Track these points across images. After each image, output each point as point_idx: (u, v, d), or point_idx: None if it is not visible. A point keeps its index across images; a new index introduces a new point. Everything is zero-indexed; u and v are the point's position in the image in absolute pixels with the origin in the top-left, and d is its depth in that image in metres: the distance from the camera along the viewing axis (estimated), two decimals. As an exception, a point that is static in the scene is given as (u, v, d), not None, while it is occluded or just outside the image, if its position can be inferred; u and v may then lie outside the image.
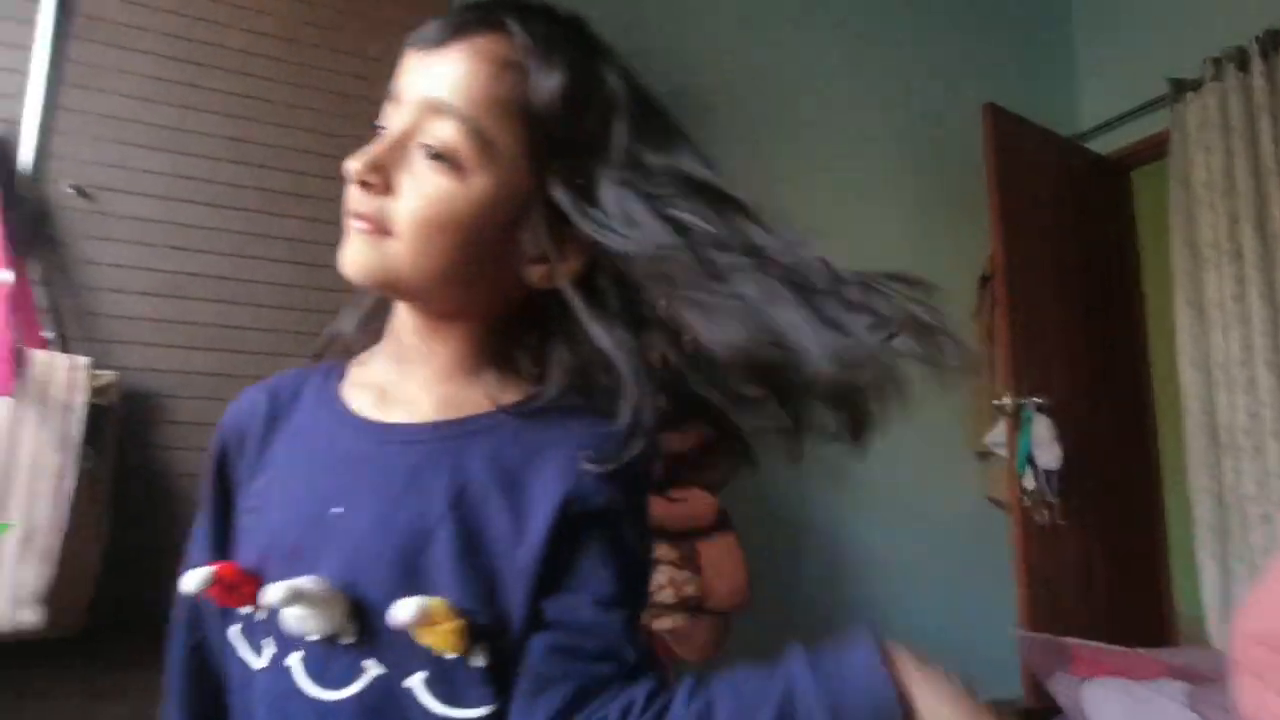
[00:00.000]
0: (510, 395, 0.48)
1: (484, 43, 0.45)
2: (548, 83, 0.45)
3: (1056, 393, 2.06)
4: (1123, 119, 2.40)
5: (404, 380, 0.50)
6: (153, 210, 1.01)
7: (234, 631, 0.45)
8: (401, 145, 0.45)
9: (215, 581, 0.42)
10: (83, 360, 0.91)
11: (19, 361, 0.87)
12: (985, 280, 2.23)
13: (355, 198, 0.46)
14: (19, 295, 0.91)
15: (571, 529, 0.43)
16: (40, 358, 0.89)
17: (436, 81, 0.45)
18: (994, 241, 2.06)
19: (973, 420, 2.21)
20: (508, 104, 0.45)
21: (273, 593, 0.40)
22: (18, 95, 0.94)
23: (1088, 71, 2.64)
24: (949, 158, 2.32)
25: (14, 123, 0.94)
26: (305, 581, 0.40)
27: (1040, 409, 2.00)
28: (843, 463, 1.97)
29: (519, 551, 0.43)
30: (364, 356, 0.53)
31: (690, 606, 1.33)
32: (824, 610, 1.89)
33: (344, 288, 1.07)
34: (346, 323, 0.55)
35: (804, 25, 2.16)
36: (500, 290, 0.49)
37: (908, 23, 2.35)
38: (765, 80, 2.06)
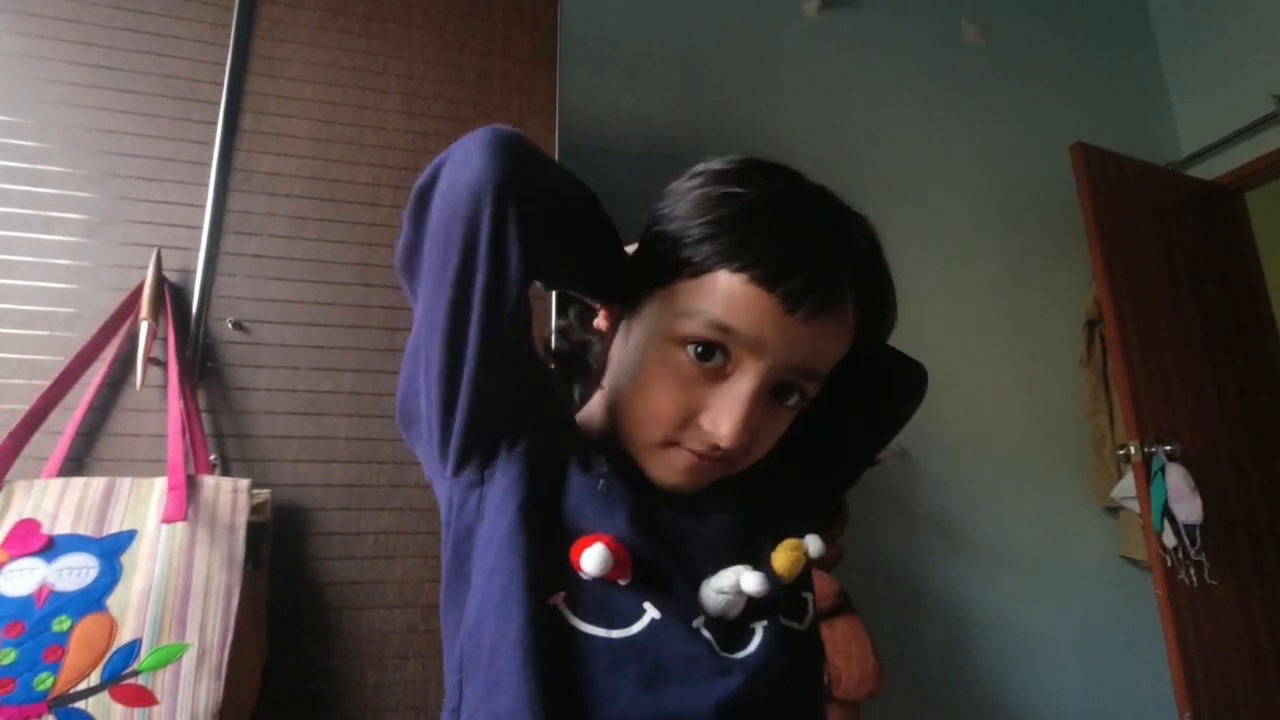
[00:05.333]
0: None
1: (841, 314, 0.49)
2: (878, 340, 0.55)
3: (1189, 438, 1.91)
4: (1226, 142, 2.28)
5: None
6: (297, 336, 1.10)
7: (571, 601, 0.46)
8: (765, 398, 0.49)
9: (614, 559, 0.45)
10: (244, 482, 0.98)
11: (191, 488, 0.96)
12: (1091, 325, 2.13)
13: (729, 450, 0.48)
14: (190, 425, 1.01)
15: None
16: (209, 482, 0.97)
17: (813, 353, 0.49)
18: (1098, 282, 1.96)
19: (1097, 474, 2.07)
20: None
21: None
22: (194, 247, 1.06)
23: (1180, 98, 2.54)
24: (1043, 203, 2.26)
25: (190, 271, 1.06)
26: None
27: (1172, 457, 1.86)
28: (960, 528, 1.88)
29: None
30: None
31: (817, 695, 1.27)
32: (951, 688, 1.78)
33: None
34: None
35: (878, 86, 2.18)
36: None
37: (984, 71, 2.34)
38: (845, 144, 2.07)
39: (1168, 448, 1.84)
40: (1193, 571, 1.78)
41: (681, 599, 0.47)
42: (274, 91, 1.16)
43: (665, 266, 0.49)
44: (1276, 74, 2.16)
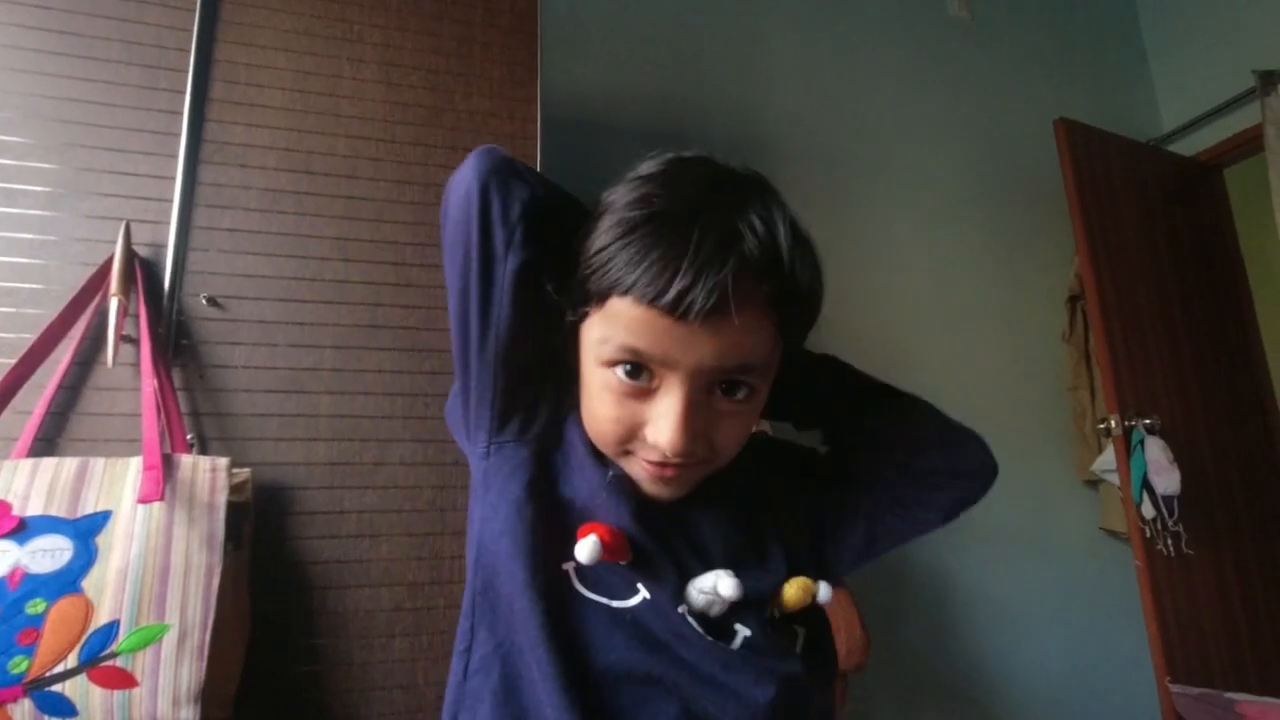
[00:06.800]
0: None
1: (728, 309, 0.46)
2: (801, 320, 0.54)
3: (1167, 412, 1.93)
4: (1207, 118, 2.29)
5: None
6: (275, 312, 1.07)
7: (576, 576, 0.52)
8: (705, 403, 0.51)
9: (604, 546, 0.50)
10: (223, 461, 0.96)
11: (168, 467, 0.93)
12: (1074, 300, 2.14)
13: (674, 458, 0.51)
14: (165, 404, 0.98)
15: None
16: (185, 461, 0.95)
17: (731, 350, 0.49)
18: (1080, 258, 1.97)
19: (1079, 448, 2.10)
20: (778, 334, 0.51)
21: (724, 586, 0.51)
22: (165, 221, 1.03)
23: (1162, 74, 2.54)
24: (1025, 178, 2.26)
25: (161, 245, 1.02)
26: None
27: (1151, 430, 1.88)
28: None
29: None
30: None
31: (805, 667, 1.28)
32: (935, 660, 1.80)
33: (448, 372, 1.08)
34: None
35: (862, 58, 2.16)
36: None
37: (969, 45, 2.32)
38: (828, 116, 2.05)
39: (1147, 421, 1.86)
40: (1170, 542, 1.81)
41: (669, 588, 0.52)
42: (245, 59, 1.12)
43: (583, 294, 0.52)
44: (1257, 50, 2.16)
